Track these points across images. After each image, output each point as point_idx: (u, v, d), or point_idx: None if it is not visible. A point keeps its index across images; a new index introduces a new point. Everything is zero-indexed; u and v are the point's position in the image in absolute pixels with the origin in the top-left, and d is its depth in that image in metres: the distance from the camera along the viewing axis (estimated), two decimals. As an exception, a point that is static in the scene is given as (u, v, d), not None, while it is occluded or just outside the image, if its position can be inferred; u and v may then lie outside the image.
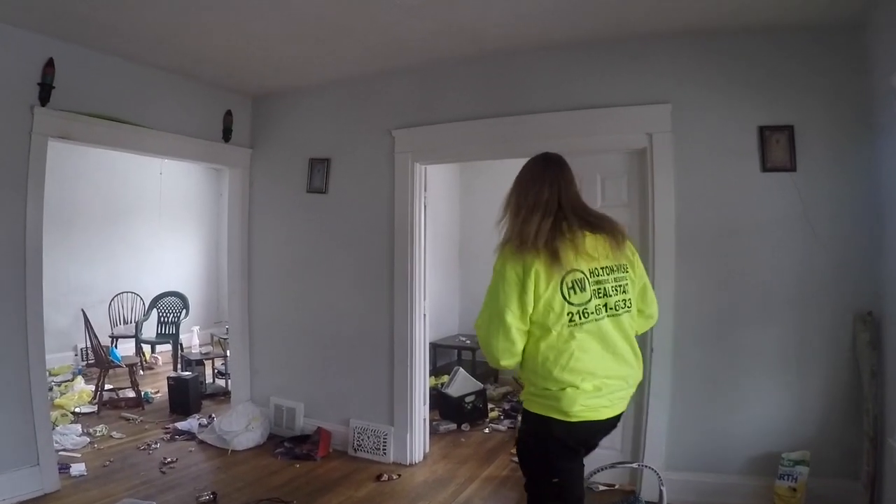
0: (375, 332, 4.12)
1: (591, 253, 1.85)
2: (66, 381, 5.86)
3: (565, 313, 1.79)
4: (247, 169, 4.76)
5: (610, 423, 1.94)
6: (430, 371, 4.41)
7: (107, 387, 5.45)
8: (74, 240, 6.82)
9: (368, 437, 4.09)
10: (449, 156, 4.02)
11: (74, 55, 3.50)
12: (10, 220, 3.28)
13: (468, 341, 6.08)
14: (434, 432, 4.48)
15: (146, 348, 6.98)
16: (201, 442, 4.37)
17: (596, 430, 1.92)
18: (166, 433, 4.57)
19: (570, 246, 1.81)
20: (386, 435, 4.03)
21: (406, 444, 3.99)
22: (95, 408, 5.08)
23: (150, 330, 7.04)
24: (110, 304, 6.96)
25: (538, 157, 2.03)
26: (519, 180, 2.00)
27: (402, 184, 4.00)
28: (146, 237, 7.58)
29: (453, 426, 4.73)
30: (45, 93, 3.34)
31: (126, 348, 6.87)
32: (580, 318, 1.80)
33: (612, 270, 1.89)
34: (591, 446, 2.02)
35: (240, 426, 4.28)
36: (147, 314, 7.07)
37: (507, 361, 1.88)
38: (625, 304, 1.91)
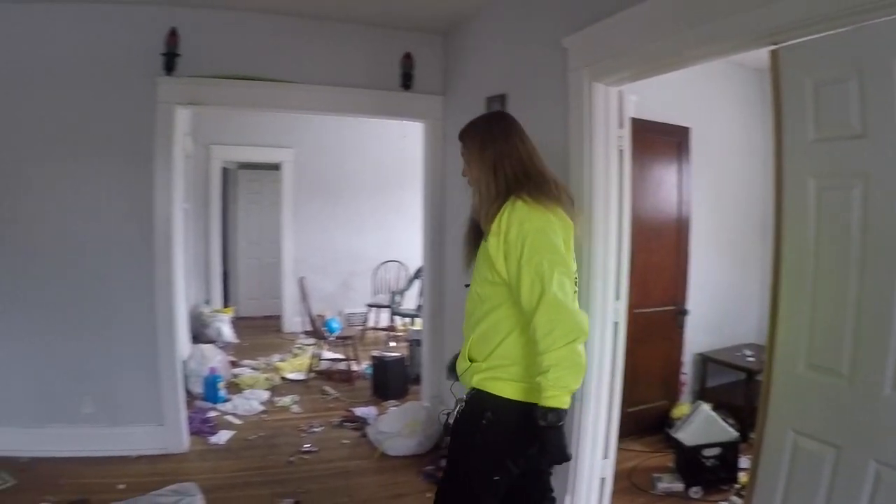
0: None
1: None
2: (310, 345, 6.05)
3: None
4: (438, 120, 3.95)
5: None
6: (693, 394, 4.05)
7: (330, 356, 5.41)
8: (344, 208, 7.15)
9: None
10: (640, 62, 2.24)
11: (199, 20, 3.36)
12: (140, 188, 3.29)
13: (752, 356, 4.09)
14: (649, 488, 3.10)
15: (407, 320, 6.88)
16: (364, 436, 3.79)
17: None
18: (344, 417, 4.15)
19: None
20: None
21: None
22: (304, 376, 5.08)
23: (412, 301, 6.89)
24: (375, 272, 7.05)
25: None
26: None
27: (576, 119, 2.53)
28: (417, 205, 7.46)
29: (679, 486, 3.11)
30: (170, 62, 3.27)
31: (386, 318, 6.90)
32: None
33: None
34: None
35: (393, 428, 3.54)
36: (409, 285, 6.94)
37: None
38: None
